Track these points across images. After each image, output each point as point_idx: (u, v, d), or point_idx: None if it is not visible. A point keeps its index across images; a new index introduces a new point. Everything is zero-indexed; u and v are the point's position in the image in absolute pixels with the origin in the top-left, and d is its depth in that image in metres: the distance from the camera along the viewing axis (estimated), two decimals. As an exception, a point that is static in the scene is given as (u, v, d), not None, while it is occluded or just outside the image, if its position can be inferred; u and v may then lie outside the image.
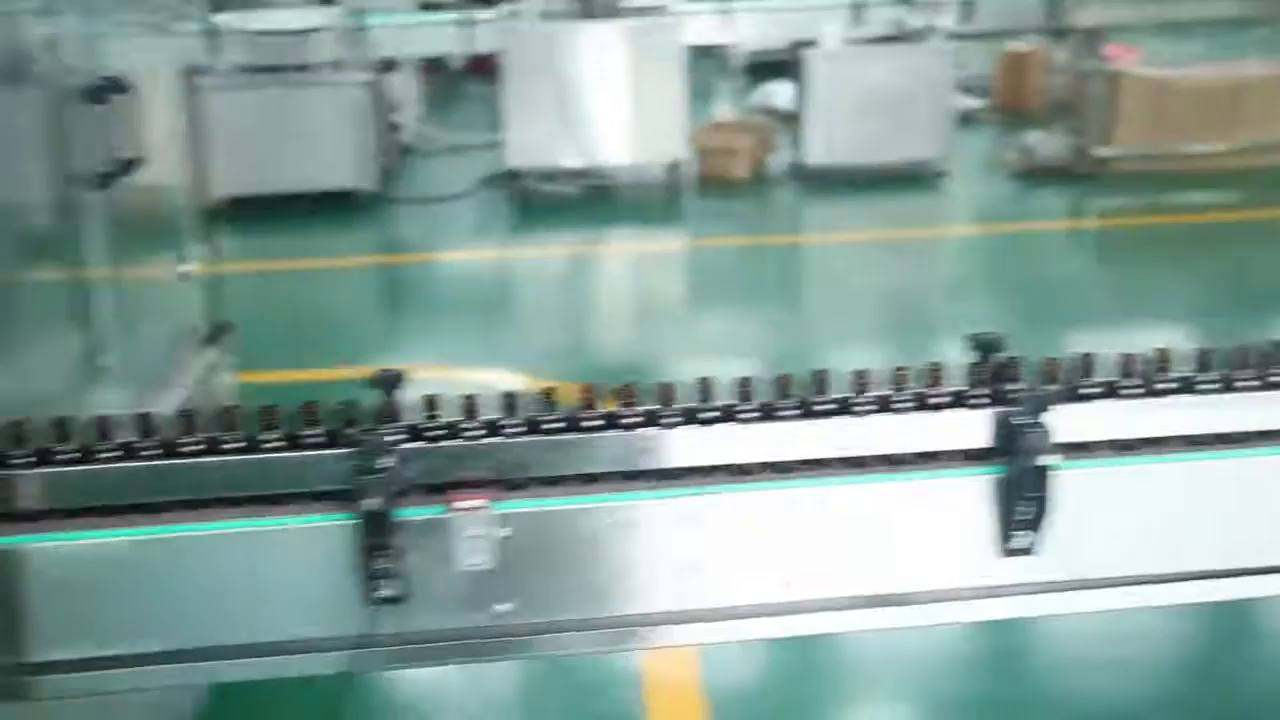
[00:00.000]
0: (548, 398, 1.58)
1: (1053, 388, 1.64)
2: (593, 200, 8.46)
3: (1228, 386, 1.67)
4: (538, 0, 8.23)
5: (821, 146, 8.37)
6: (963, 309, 6.35)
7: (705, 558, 1.61)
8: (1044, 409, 1.59)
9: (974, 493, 1.64)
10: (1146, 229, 7.48)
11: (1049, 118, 9.14)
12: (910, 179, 8.34)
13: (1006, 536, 1.64)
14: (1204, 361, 1.68)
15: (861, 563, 1.67)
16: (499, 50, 8.14)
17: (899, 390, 1.64)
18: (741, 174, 8.78)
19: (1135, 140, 7.94)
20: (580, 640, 1.65)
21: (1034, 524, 1.63)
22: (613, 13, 8.06)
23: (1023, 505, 1.62)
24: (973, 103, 10.01)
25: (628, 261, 7.79)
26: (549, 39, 8.04)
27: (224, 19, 7.90)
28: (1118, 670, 3.30)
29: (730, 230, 8.06)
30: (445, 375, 5.36)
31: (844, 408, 1.62)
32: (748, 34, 9.02)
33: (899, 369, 1.65)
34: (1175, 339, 1.59)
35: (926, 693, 3.28)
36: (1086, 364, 1.68)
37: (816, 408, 1.62)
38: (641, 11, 8.16)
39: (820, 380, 1.63)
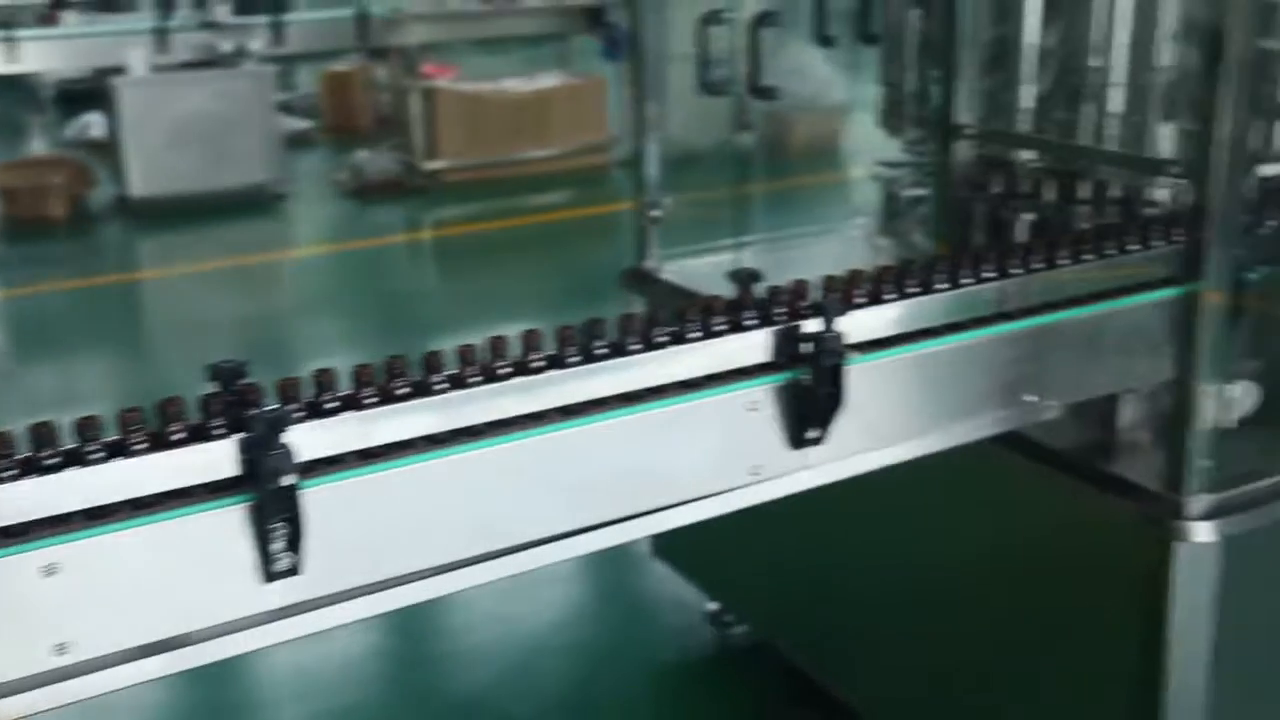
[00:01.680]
0: None
1: (290, 407, 1.69)
2: None
3: (458, 384, 1.82)
4: None
5: (145, 178, 8.07)
6: (314, 329, 6.40)
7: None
8: (281, 430, 1.63)
9: (230, 524, 1.66)
10: (479, 235, 7.92)
11: (378, 135, 9.41)
12: (247, 204, 8.25)
13: (268, 561, 1.67)
14: (434, 364, 1.81)
15: (136, 612, 1.63)
16: None
17: (134, 431, 1.62)
18: (58, 213, 8.25)
19: (459, 153, 8.40)
20: None
21: (292, 545, 1.68)
22: None
23: (277, 528, 1.65)
24: (303, 124, 10.09)
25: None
26: None
27: None
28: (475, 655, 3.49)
29: (48, 275, 7.52)
30: None
31: (75, 459, 1.58)
32: (41, 62, 8.46)
33: (130, 410, 1.63)
34: (506, 332, 1.75)
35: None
36: (326, 379, 1.75)
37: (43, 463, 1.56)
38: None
39: (41, 434, 1.57)
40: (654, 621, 3.63)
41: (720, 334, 1.97)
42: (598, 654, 3.55)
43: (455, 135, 8.31)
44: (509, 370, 1.85)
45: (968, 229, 2.62)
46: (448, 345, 1.87)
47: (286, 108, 10.05)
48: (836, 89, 8.26)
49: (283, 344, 6.17)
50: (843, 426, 2.01)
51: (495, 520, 1.88)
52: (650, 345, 1.94)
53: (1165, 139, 2.46)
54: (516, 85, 8.52)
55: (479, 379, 1.82)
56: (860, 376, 2.01)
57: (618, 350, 1.92)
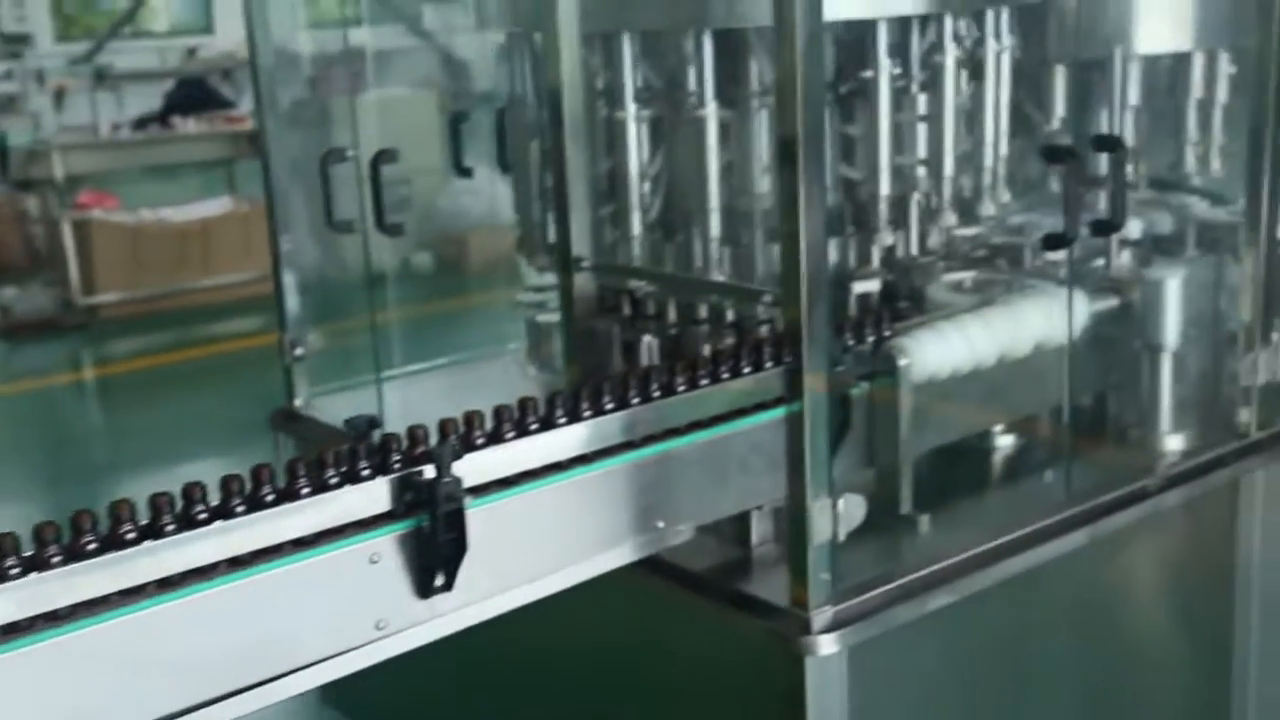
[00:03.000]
0: None
1: None
2: None
3: (37, 566, 1.65)
4: None
5: None
6: None
7: None
8: None
9: None
10: (141, 371, 7.43)
11: (30, 271, 8.76)
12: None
13: None
14: (6, 546, 1.64)
15: None
16: None
17: None
18: None
19: (120, 286, 7.93)
20: None
21: None
22: None
23: None
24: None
25: None
26: None
27: None
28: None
29: None
30: None
31: None
32: None
33: None
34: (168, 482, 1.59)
35: None
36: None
37: None
38: None
39: None
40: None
41: (334, 487, 1.88)
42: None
43: (114, 267, 7.83)
44: (95, 545, 1.69)
45: (597, 356, 2.62)
46: (99, 498, 1.71)
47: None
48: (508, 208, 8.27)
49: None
50: (470, 571, 1.95)
51: (89, 711, 1.71)
52: (257, 505, 1.82)
53: (765, 265, 2.55)
54: (178, 214, 8.11)
55: (60, 558, 1.67)
56: (484, 518, 1.95)
57: (221, 513, 1.80)
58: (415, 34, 9.27)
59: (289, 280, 3.19)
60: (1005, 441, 2.77)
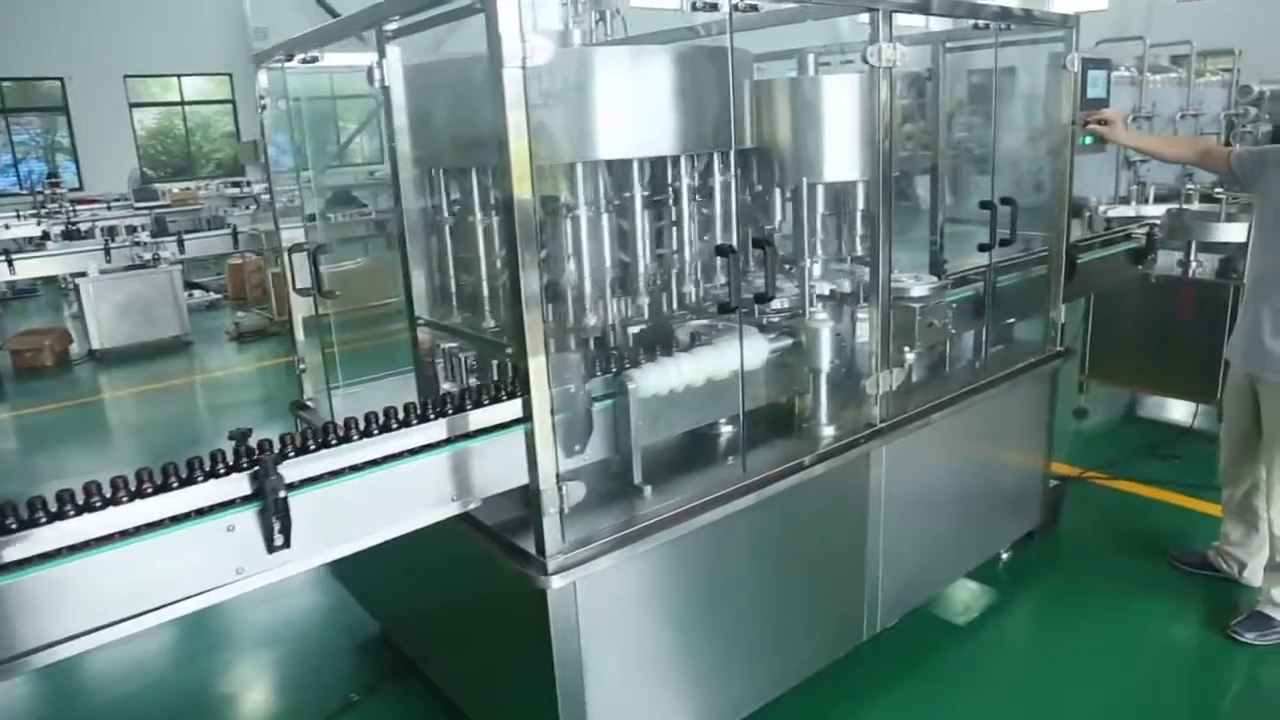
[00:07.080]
0: None
1: None
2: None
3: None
4: None
5: (101, 337, 7.19)
6: (219, 417, 5.68)
7: None
8: None
9: None
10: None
11: (254, 302, 8.59)
12: (168, 349, 7.39)
13: None
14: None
15: None
16: None
17: None
18: (48, 362, 7.16)
19: (302, 310, 7.75)
20: None
21: None
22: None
23: None
24: (213, 296, 9.20)
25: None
26: None
27: None
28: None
29: (40, 401, 6.42)
30: None
31: None
32: (31, 272, 7.51)
33: None
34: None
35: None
36: None
37: None
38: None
39: None
40: (337, 620, 3.15)
41: (200, 480, 1.59)
42: (301, 637, 3.07)
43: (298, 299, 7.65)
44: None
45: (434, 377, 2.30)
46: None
47: (203, 288, 9.16)
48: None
49: (201, 430, 5.49)
50: (304, 535, 1.66)
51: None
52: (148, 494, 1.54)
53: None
54: (332, 267, 7.80)
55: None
56: (310, 501, 1.67)
57: (136, 494, 1.53)
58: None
59: (297, 319, 2.91)
60: (726, 430, 2.43)
